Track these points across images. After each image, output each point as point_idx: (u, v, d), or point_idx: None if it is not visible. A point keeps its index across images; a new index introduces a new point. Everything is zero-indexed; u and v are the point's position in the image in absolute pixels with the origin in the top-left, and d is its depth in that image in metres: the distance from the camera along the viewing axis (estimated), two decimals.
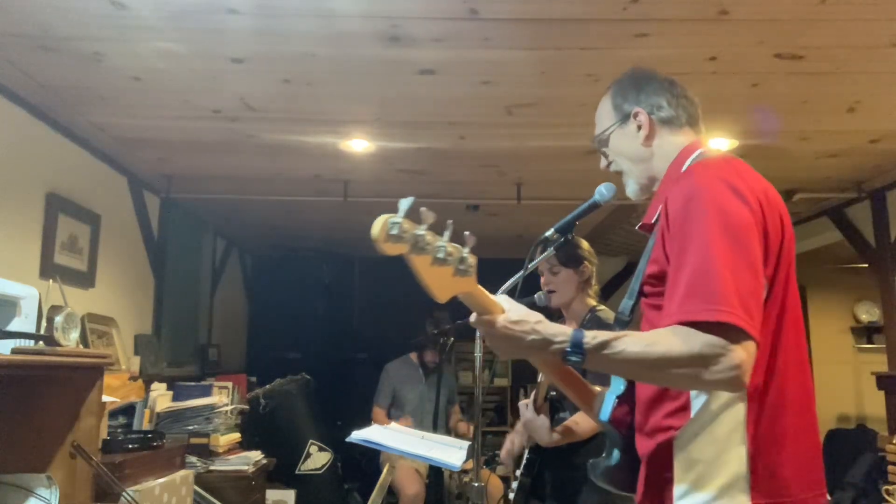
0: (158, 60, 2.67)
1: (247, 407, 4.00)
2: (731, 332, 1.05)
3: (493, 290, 1.20)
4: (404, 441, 2.58)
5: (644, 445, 1.27)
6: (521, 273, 1.67)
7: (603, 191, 1.55)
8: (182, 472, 2.78)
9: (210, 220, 5.36)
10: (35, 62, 2.69)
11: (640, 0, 2.22)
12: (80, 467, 2.00)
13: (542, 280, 2.47)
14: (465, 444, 2.63)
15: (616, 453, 1.34)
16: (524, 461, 2.47)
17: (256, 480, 3.43)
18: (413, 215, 0.96)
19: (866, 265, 4.53)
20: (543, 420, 2.20)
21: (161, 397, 3.34)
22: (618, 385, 1.35)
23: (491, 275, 1.60)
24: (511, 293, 1.32)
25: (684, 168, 1.31)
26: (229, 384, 3.81)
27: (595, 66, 2.66)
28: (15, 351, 1.79)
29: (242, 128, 3.39)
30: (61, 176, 3.34)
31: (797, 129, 3.34)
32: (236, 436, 3.59)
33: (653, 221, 1.31)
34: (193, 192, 4.49)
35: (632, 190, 1.45)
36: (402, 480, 4.08)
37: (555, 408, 2.27)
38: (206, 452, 3.30)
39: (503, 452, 2.53)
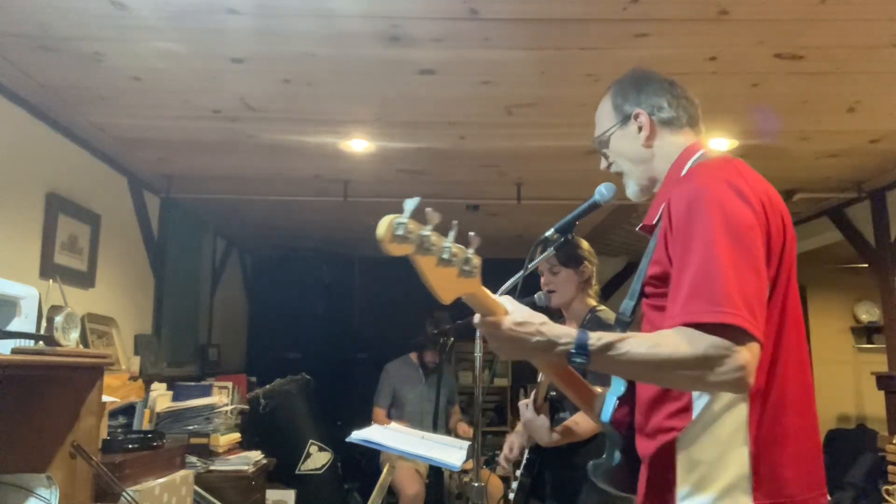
0: (158, 60, 2.67)
1: (247, 407, 4.00)
2: (736, 334, 1.05)
3: (493, 290, 1.20)
4: (404, 441, 2.58)
5: (645, 446, 1.26)
6: (521, 273, 1.67)
7: (603, 191, 1.55)
8: (182, 472, 2.78)
9: (210, 220, 5.36)
10: (35, 62, 2.69)
11: (640, 0, 2.22)
12: (80, 467, 2.00)
13: (542, 280, 2.47)
14: (465, 444, 2.63)
15: (616, 454, 1.34)
16: (524, 461, 2.47)
17: (256, 480, 3.43)
18: (417, 215, 0.96)
19: (866, 265, 4.53)
20: (543, 420, 2.20)
21: (161, 397, 3.34)
22: (618, 386, 1.35)
23: (491, 275, 1.60)
24: (511, 293, 1.32)
25: (686, 169, 1.31)
26: (229, 384, 3.81)
27: (595, 66, 2.66)
28: (15, 351, 1.79)
29: (242, 128, 3.39)
30: (61, 176, 3.34)
31: (797, 129, 3.34)
32: (236, 436, 3.59)
33: (654, 222, 1.31)
34: (193, 192, 4.49)
35: (632, 191, 1.44)
36: (402, 480, 4.08)
37: (555, 408, 2.27)
38: (206, 452, 3.31)
39: (501, 458, 2.53)
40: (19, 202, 3.04)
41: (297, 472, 4.13)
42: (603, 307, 2.45)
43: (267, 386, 4.30)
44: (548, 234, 1.63)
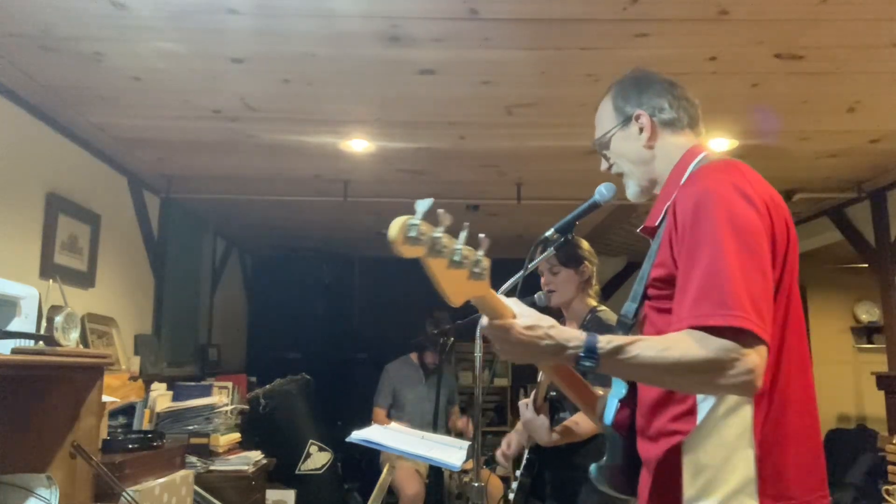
0: (158, 60, 2.67)
1: (247, 407, 4.00)
2: (745, 337, 1.05)
3: (494, 291, 1.19)
4: (404, 441, 2.58)
5: (648, 449, 1.26)
6: (521, 273, 1.66)
7: (603, 191, 1.55)
8: (182, 472, 2.78)
9: (210, 220, 5.36)
10: (35, 62, 2.69)
11: (640, 0, 2.22)
12: (80, 467, 2.00)
13: (543, 280, 2.47)
14: (465, 444, 2.63)
15: (617, 456, 1.34)
16: (524, 461, 2.47)
17: (256, 480, 3.43)
18: (427, 216, 0.95)
19: (866, 265, 4.53)
20: (543, 420, 2.20)
21: (161, 397, 3.34)
22: (619, 388, 1.34)
23: (491, 275, 1.60)
24: (511, 293, 1.31)
25: (689, 172, 1.30)
26: (229, 384, 3.81)
27: (595, 66, 2.66)
28: (15, 351, 1.79)
29: (242, 128, 3.39)
30: (61, 176, 3.34)
31: (797, 129, 3.34)
32: (236, 436, 3.59)
33: (656, 224, 1.31)
34: (193, 192, 4.50)
35: (632, 192, 1.44)
36: (402, 480, 4.08)
37: (555, 408, 2.27)
38: (206, 452, 3.30)
39: (498, 453, 2.53)
40: (19, 202, 3.04)
41: (297, 472, 4.13)
42: (603, 307, 2.45)
43: (267, 386, 4.30)
44: (548, 234, 1.63)
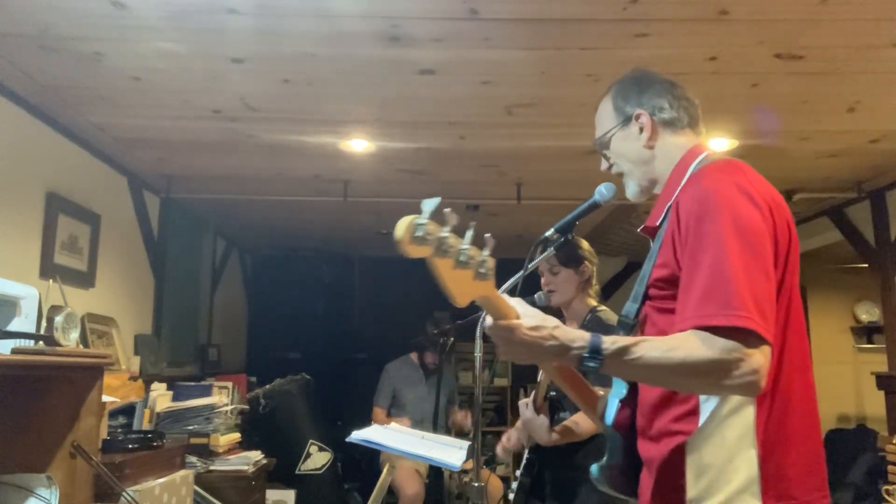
0: (158, 60, 2.67)
1: (247, 407, 4.00)
2: (749, 337, 1.05)
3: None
4: (404, 441, 2.58)
5: (650, 450, 1.26)
6: (521, 273, 1.66)
7: (603, 191, 1.55)
8: (182, 472, 2.78)
9: (210, 220, 5.36)
10: (35, 62, 2.69)
11: (640, 0, 2.22)
12: (80, 467, 2.00)
13: (543, 280, 2.47)
14: (465, 444, 2.63)
15: (617, 456, 1.34)
16: (524, 461, 2.47)
17: (256, 480, 3.43)
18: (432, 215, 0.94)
19: (866, 265, 4.53)
20: (543, 420, 2.20)
21: (161, 397, 3.34)
22: (619, 388, 1.34)
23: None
24: (511, 293, 1.31)
25: (690, 171, 1.30)
26: (229, 384, 3.81)
27: (595, 66, 2.66)
28: (15, 351, 1.79)
29: (242, 128, 3.39)
30: (61, 176, 3.34)
31: (797, 129, 3.34)
32: (236, 436, 3.59)
33: (657, 224, 1.30)
34: (193, 192, 4.50)
35: (632, 192, 1.44)
36: (402, 480, 4.08)
37: (555, 407, 2.27)
38: (206, 452, 3.30)
39: (498, 447, 2.54)
40: (19, 202, 3.04)
41: (297, 472, 4.13)
42: (603, 307, 2.45)
43: (267, 386, 4.30)
44: (548, 234, 1.62)
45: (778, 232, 1.18)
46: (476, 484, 1.90)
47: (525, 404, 2.24)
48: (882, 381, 4.24)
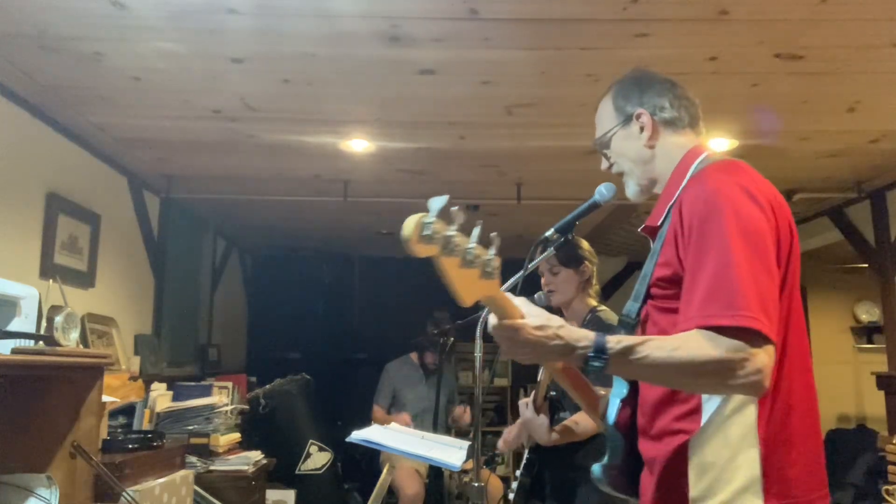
0: (158, 60, 2.67)
1: (247, 407, 4.00)
2: (753, 337, 1.06)
3: None
4: (404, 441, 2.58)
5: (651, 449, 1.25)
6: (521, 273, 1.66)
7: (603, 191, 1.55)
8: (182, 472, 2.78)
9: (210, 220, 5.36)
10: (35, 62, 2.69)
11: (640, 0, 2.22)
12: (80, 467, 2.00)
13: (543, 280, 2.47)
14: (465, 444, 2.63)
15: (618, 456, 1.33)
16: (524, 461, 2.47)
17: (256, 480, 3.43)
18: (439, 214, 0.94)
19: (866, 265, 4.53)
20: (543, 419, 2.20)
21: (161, 397, 3.34)
22: (620, 387, 1.34)
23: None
24: (511, 293, 1.31)
25: (691, 172, 1.30)
26: (229, 384, 3.81)
27: (595, 66, 2.66)
28: (15, 351, 1.79)
29: (242, 128, 3.39)
30: (61, 176, 3.34)
31: (797, 129, 3.34)
32: (236, 436, 3.59)
33: (658, 224, 1.30)
34: (193, 192, 4.50)
35: (632, 191, 1.44)
36: (402, 480, 4.08)
37: (555, 407, 2.27)
38: (206, 452, 3.30)
39: (500, 442, 2.54)
40: (19, 202, 3.04)
41: (297, 472, 4.13)
42: (603, 307, 2.45)
43: (267, 386, 4.30)
44: (548, 234, 1.62)
45: (780, 232, 1.19)
46: (476, 484, 1.90)
47: (525, 404, 2.24)
48: (882, 381, 4.24)
